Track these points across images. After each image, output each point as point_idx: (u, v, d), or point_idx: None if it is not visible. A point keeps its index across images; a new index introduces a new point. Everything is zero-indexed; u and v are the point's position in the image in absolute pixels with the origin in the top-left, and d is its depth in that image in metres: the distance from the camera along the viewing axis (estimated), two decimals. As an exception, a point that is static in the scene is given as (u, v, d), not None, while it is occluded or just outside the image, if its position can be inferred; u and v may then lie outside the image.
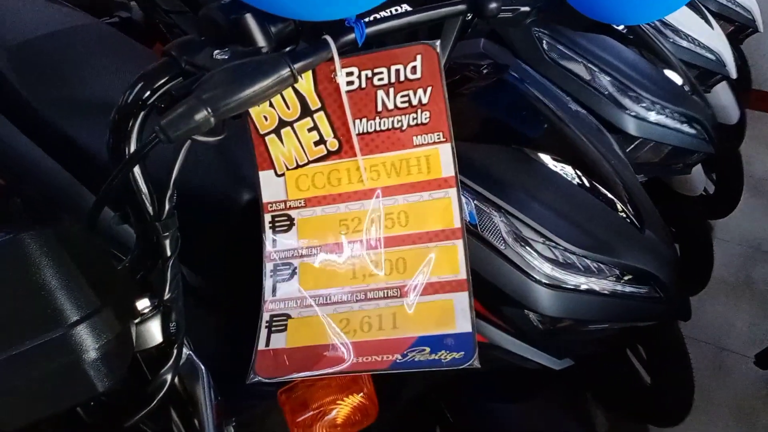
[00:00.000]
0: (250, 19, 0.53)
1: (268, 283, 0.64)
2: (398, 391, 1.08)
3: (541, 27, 1.41)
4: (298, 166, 0.63)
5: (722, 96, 2.01)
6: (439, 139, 0.61)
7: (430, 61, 0.59)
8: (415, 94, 0.60)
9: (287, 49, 0.56)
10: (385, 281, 0.62)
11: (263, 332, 0.62)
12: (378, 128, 0.62)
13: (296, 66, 0.51)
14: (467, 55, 1.39)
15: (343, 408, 0.71)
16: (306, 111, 0.61)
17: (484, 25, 0.98)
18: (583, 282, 1.03)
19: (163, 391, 0.57)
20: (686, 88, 1.56)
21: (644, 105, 1.45)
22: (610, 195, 1.15)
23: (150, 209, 0.55)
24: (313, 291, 0.63)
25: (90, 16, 1.38)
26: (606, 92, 1.41)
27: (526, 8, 0.67)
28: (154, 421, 0.61)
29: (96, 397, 0.47)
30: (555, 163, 1.14)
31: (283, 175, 0.64)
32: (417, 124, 0.61)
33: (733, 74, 1.85)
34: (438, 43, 0.59)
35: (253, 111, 0.61)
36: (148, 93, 0.52)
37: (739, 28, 2.12)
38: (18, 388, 0.44)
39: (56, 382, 0.45)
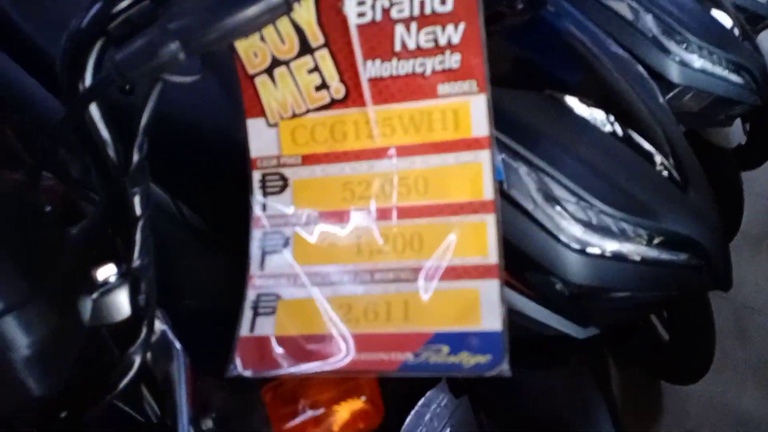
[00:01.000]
0: None
1: (255, 254, 0.54)
2: (408, 388, 1.02)
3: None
4: (294, 116, 0.52)
5: (768, 43, 1.87)
6: (471, 89, 0.49)
7: None
8: (443, 31, 0.48)
9: None
10: (397, 260, 0.51)
11: (247, 314, 0.53)
12: (394, 72, 0.50)
13: None
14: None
15: (341, 413, 0.60)
16: (305, 48, 0.49)
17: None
18: (618, 248, 0.95)
19: (130, 375, 0.48)
20: (736, 31, 1.45)
21: (689, 49, 1.35)
22: (647, 147, 1.05)
23: (115, 161, 0.46)
24: (309, 267, 0.53)
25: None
26: (650, 34, 1.32)
27: None
28: (124, 400, 0.53)
29: (35, 401, 0.39)
30: (584, 108, 1.04)
31: (276, 125, 0.52)
32: (444, 70, 0.49)
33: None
34: None
35: (240, 46, 0.49)
36: (107, 18, 0.42)
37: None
38: None
39: None
